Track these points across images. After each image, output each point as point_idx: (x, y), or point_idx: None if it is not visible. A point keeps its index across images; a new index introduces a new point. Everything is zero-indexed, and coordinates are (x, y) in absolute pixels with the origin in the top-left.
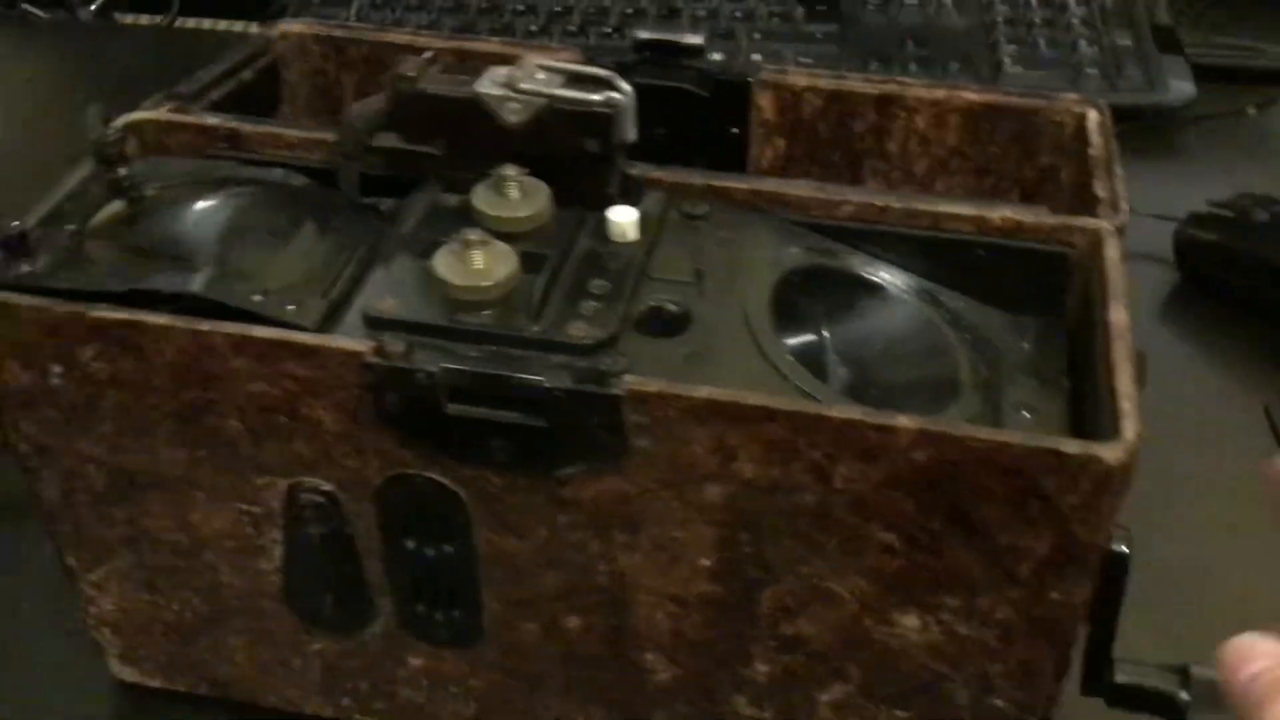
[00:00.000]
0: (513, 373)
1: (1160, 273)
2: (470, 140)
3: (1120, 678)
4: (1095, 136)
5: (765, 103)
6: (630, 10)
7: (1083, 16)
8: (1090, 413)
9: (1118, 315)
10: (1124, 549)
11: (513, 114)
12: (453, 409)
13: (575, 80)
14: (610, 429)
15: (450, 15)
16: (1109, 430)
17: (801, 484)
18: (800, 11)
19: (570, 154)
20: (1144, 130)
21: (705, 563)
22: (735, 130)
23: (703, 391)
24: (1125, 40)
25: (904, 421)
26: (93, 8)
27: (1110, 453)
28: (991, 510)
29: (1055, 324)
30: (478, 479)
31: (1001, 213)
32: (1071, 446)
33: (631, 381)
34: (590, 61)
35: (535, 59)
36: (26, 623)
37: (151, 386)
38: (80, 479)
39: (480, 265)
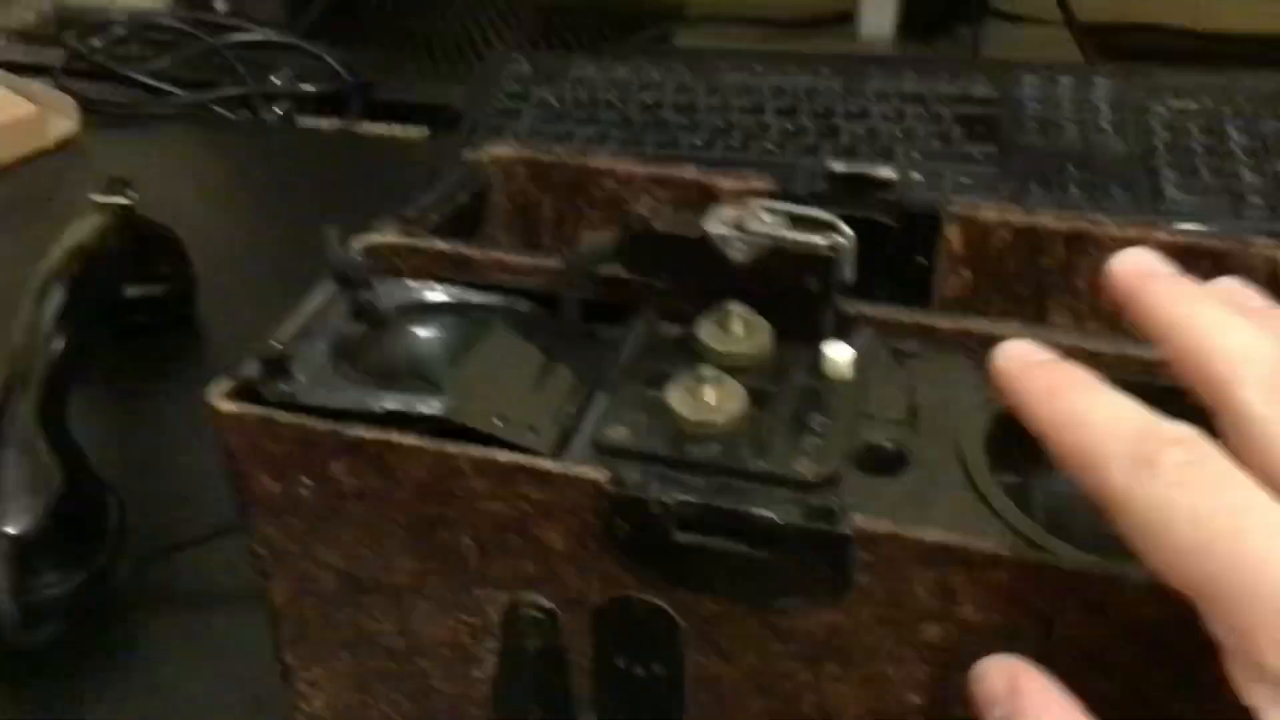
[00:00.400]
0: (745, 507)
1: None
2: (695, 275)
3: None
4: None
5: (954, 235)
6: (790, 128)
7: (1244, 145)
8: None
9: None
10: None
11: (738, 253)
12: (681, 537)
13: (798, 222)
14: (834, 565)
15: (617, 129)
16: None
17: (1023, 630)
18: (959, 132)
19: (790, 292)
20: None
21: (915, 700)
22: (922, 260)
23: (932, 534)
24: None
25: (1135, 575)
26: (278, 111)
27: None
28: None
29: None
30: (694, 603)
31: None
32: None
33: (860, 521)
34: (786, 191)
35: (760, 201)
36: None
37: (394, 500)
38: (311, 582)
39: (712, 400)
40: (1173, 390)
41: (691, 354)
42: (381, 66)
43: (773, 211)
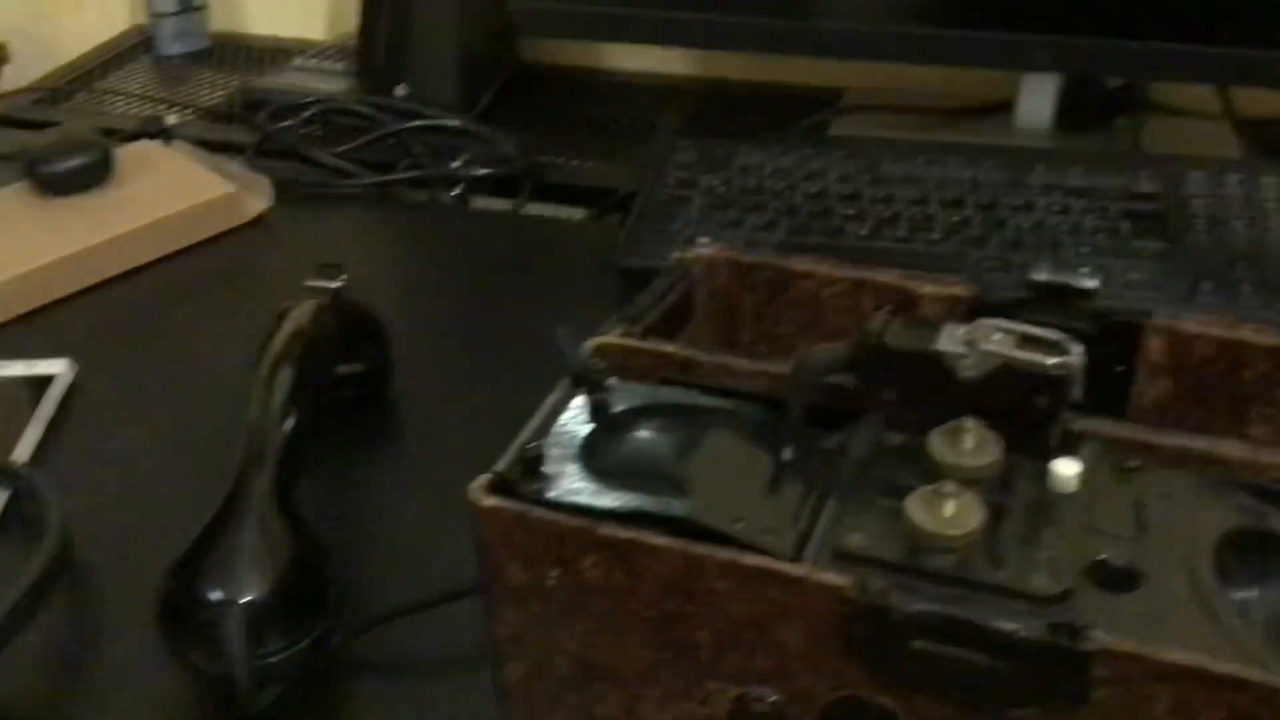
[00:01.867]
0: (987, 619)
1: None
2: (924, 389)
3: None
4: None
5: (1155, 346)
6: (955, 219)
7: None
8: None
9: None
10: None
11: (968, 369)
12: (918, 645)
13: (1028, 340)
14: (1073, 680)
15: (784, 217)
16: None
17: None
18: (1126, 227)
19: (1019, 409)
20: None
21: None
22: (1121, 369)
23: (1173, 655)
24: None
25: None
26: (454, 193)
27: None
28: None
29: None
30: (926, 708)
31: None
32: None
33: (1103, 638)
34: (986, 299)
35: (991, 321)
36: None
37: (637, 594)
38: (547, 666)
39: (950, 513)
40: None
41: (921, 464)
42: (550, 150)
43: (1004, 331)
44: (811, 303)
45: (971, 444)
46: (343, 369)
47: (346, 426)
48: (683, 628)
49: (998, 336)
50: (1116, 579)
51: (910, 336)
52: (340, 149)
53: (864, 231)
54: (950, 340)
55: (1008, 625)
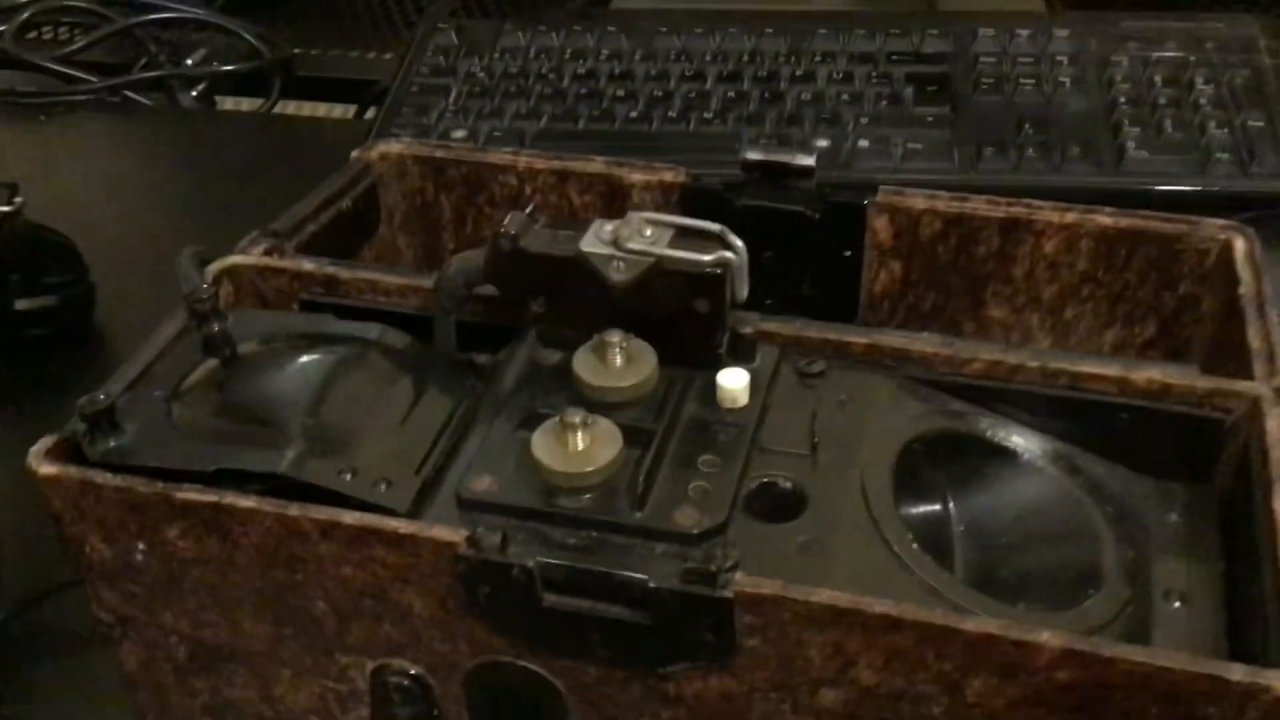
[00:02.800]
0: (614, 569)
1: None
2: (573, 298)
3: None
4: (1244, 271)
5: (881, 226)
6: (732, 95)
7: (1211, 96)
8: (1250, 610)
9: None
10: None
11: (618, 273)
12: (549, 600)
13: (684, 235)
14: (718, 630)
15: (549, 102)
16: (1276, 650)
17: (928, 695)
18: (910, 93)
19: (678, 313)
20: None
21: None
22: (848, 253)
23: (821, 595)
24: (1258, 121)
25: (1047, 638)
26: (194, 94)
27: None
28: None
29: (1207, 493)
30: (574, 669)
31: (1147, 373)
32: (1237, 673)
33: (743, 582)
34: (698, 187)
35: (641, 215)
36: None
37: (237, 565)
38: (162, 649)
39: (581, 448)
40: (1093, 403)
41: (570, 388)
42: (306, 41)
43: (657, 224)
44: (514, 199)
45: (620, 360)
46: (23, 304)
47: (35, 369)
48: (297, 599)
49: (649, 233)
50: (780, 506)
51: (551, 239)
52: (64, 51)
53: (634, 113)
54: (596, 240)
55: (637, 574)
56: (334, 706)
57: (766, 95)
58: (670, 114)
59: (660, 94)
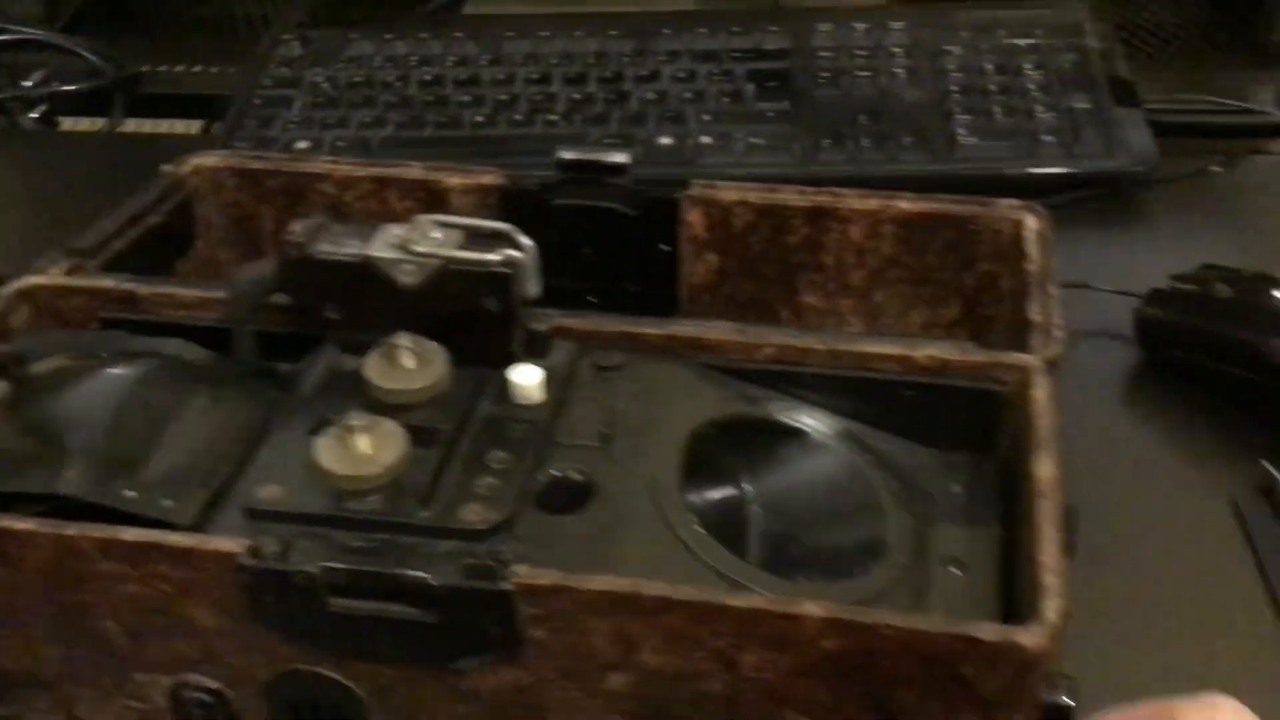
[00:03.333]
0: (395, 569)
1: (1123, 352)
2: (366, 303)
3: None
4: (1032, 248)
5: (695, 219)
6: (578, 97)
7: (1039, 81)
8: (1019, 574)
9: (1043, 469)
10: (1068, 701)
11: (407, 275)
12: (336, 605)
13: (473, 237)
14: (502, 623)
15: (395, 110)
16: (1029, 609)
17: (708, 672)
18: (751, 89)
19: (470, 314)
20: (1106, 196)
21: None
22: (666, 247)
23: (597, 583)
24: (1082, 103)
25: (810, 609)
26: (34, 115)
27: (1030, 638)
28: (910, 697)
29: (988, 463)
30: (369, 672)
31: (927, 351)
32: (988, 633)
33: (522, 574)
34: (516, 189)
35: (430, 218)
36: None
37: (21, 589)
38: None
39: (365, 450)
40: (878, 382)
41: (363, 394)
42: (151, 58)
43: (445, 226)
44: (334, 208)
45: (410, 363)
46: None
47: None
48: (86, 619)
49: (436, 235)
50: (568, 498)
51: (339, 244)
52: None
53: (480, 118)
54: (384, 244)
55: (418, 573)
56: None
57: (611, 96)
58: (516, 117)
59: (507, 98)
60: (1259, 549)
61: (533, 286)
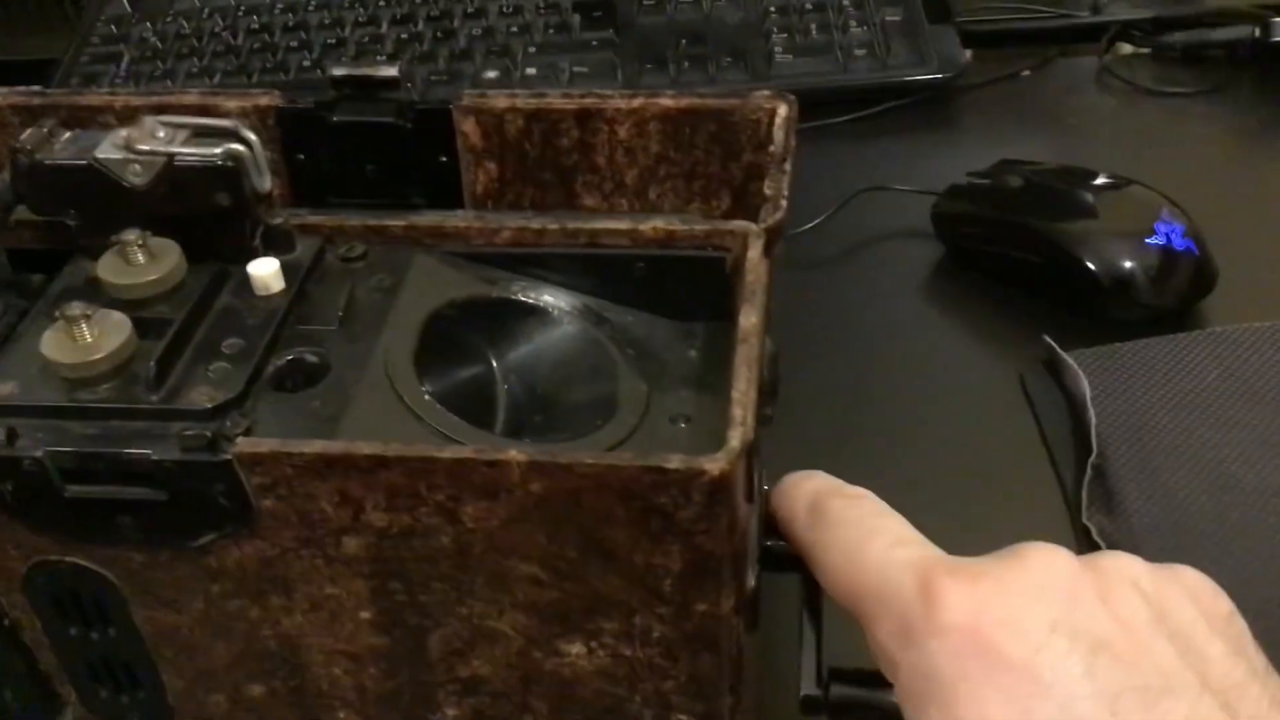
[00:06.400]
0: (119, 449)
1: (925, 248)
2: (100, 208)
3: (836, 692)
4: (777, 133)
5: (469, 128)
6: (405, 35)
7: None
8: None
9: (745, 319)
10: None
11: (135, 176)
12: (71, 491)
13: (199, 135)
14: (230, 494)
15: (221, 59)
16: (723, 442)
17: (434, 527)
18: (577, 20)
19: (204, 211)
20: (919, 104)
21: (366, 615)
22: (444, 159)
23: (315, 446)
24: (895, 16)
25: (513, 455)
26: None
27: (713, 464)
28: (618, 532)
29: (724, 328)
30: (120, 558)
31: (653, 224)
32: (674, 462)
33: (242, 444)
34: (292, 109)
35: (155, 118)
36: None
37: None
38: None
39: (88, 339)
40: (612, 258)
41: (101, 294)
42: None
43: (172, 126)
44: None
45: (142, 259)
46: None
47: None
48: None
49: (162, 134)
50: (303, 378)
51: (67, 149)
52: None
53: (307, 62)
54: (111, 146)
55: (142, 451)
56: None
57: (438, 34)
58: (344, 59)
59: (334, 41)
60: (1040, 417)
61: (262, 181)
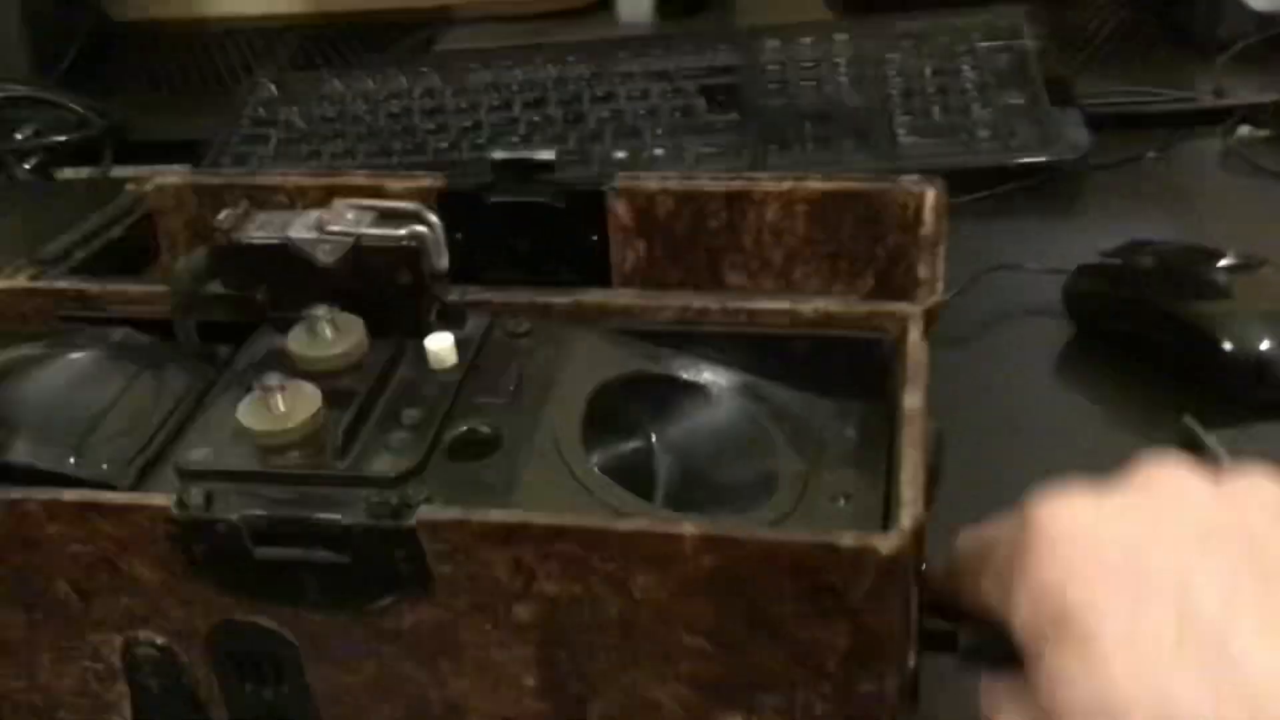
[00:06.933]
0: (310, 513)
1: (1055, 327)
2: (290, 284)
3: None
4: (928, 215)
5: (621, 209)
6: (536, 119)
7: (975, 81)
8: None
9: (910, 400)
10: None
11: (325, 255)
12: (260, 553)
13: (384, 217)
14: (410, 559)
15: (364, 141)
16: (892, 518)
17: (602, 597)
18: (702, 104)
19: (385, 287)
20: (1042, 186)
21: (530, 682)
22: (595, 238)
23: (494, 515)
24: (1017, 99)
25: (687, 528)
26: (27, 166)
27: (886, 543)
28: (785, 608)
29: (880, 409)
30: (299, 618)
31: (813, 305)
32: (846, 540)
33: (425, 511)
34: (453, 190)
35: (345, 201)
36: None
37: None
38: None
39: (282, 409)
40: (770, 336)
41: (287, 365)
42: (147, 109)
43: (359, 209)
44: None
45: (330, 333)
46: None
47: None
48: (40, 581)
49: (350, 216)
50: (477, 449)
51: (262, 229)
52: None
53: (444, 144)
54: (303, 226)
55: (332, 516)
56: (95, 685)
57: (569, 117)
58: (479, 141)
59: (470, 124)
60: None
61: (441, 259)
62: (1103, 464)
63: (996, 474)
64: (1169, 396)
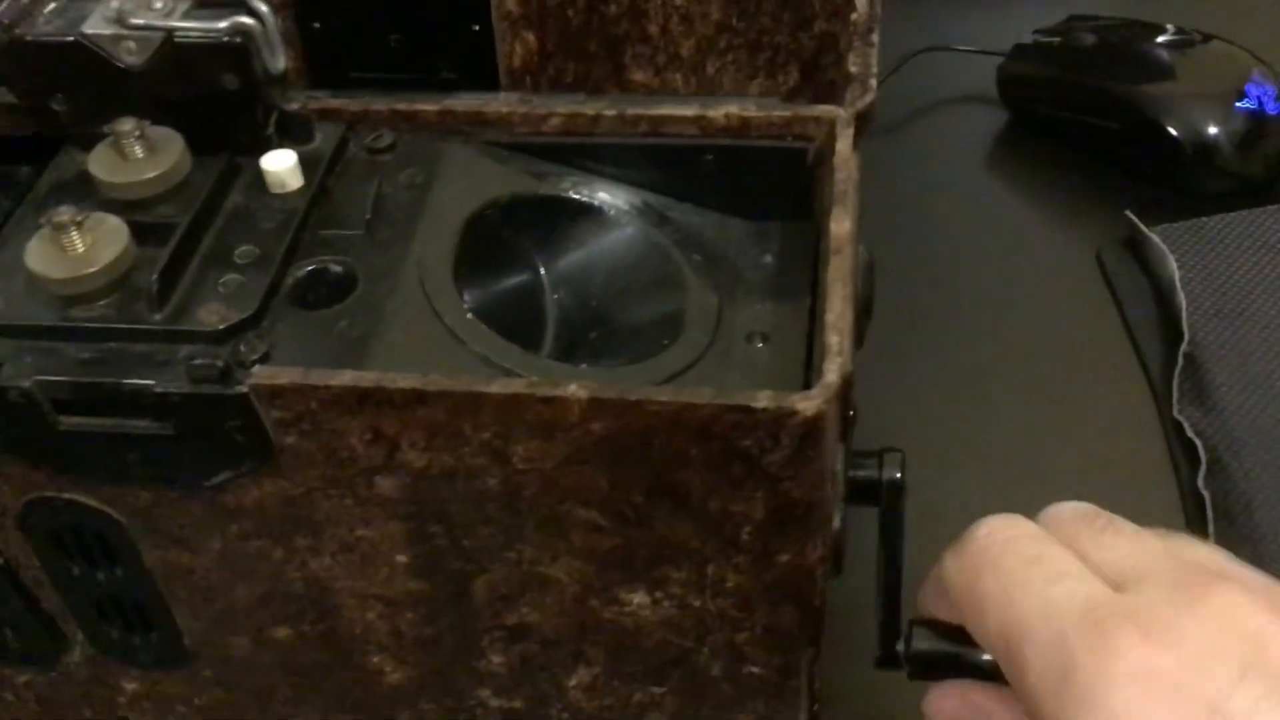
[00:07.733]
0: (118, 378)
1: (988, 113)
2: (91, 91)
3: (917, 646)
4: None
5: None
6: None
7: None
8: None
9: (838, 225)
10: (897, 475)
11: (129, 55)
12: (66, 424)
13: (202, 5)
14: (247, 430)
15: None
16: (815, 374)
17: (479, 468)
18: None
19: (209, 95)
20: None
21: (402, 559)
22: (476, 27)
23: (343, 378)
24: None
25: (573, 390)
26: None
27: (808, 404)
28: (693, 476)
29: (804, 229)
30: (124, 495)
31: (725, 109)
32: (761, 400)
33: (260, 374)
34: None
35: None
36: None
37: None
38: None
39: (80, 249)
40: (676, 148)
41: (90, 193)
42: None
43: None
44: None
45: (140, 152)
46: None
47: None
48: None
49: (159, 4)
50: (327, 291)
51: (51, 22)
52: None
53: None
54: (101, 20)
55: (145, 382)
56: None
57: None
58: None
59: None
60: (1121, 299)
61: (277, 60)
62: (1038, 263)
63: (917, 275)
64: (1111, 189)
